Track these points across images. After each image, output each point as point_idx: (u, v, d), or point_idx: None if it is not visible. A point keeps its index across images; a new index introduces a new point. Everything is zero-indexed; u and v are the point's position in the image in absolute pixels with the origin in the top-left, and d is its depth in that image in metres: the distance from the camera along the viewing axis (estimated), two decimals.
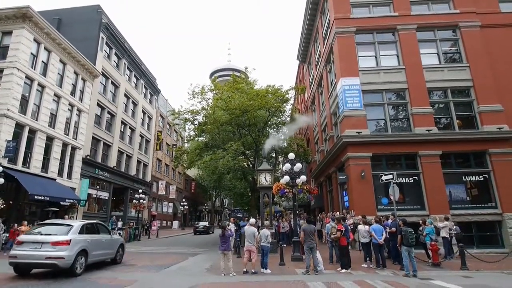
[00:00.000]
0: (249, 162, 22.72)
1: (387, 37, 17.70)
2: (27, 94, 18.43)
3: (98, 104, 26.15)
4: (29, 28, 18.45)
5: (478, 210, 14.80)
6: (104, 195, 27.22)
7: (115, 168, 28.07)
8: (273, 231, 14.52)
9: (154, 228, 29.68)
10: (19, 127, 17.71)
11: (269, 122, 22.76)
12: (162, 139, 39.43)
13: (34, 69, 18.95)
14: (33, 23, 18.61)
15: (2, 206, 16.66)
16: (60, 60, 21.37)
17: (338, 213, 15.96)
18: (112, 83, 28.62)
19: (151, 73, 37.76)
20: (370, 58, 17.43)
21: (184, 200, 44.98)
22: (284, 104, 22.78)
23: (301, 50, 28.49)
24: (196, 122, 23.05)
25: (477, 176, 15.43)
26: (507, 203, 14.44)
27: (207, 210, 60.74)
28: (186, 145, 35.34)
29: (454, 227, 12.85)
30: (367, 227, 10.82)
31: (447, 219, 12.92)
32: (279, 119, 24.16)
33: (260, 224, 15.02)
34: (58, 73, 21.30)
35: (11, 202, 17.59)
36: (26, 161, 18.27)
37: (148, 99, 37.11)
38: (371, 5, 18.17)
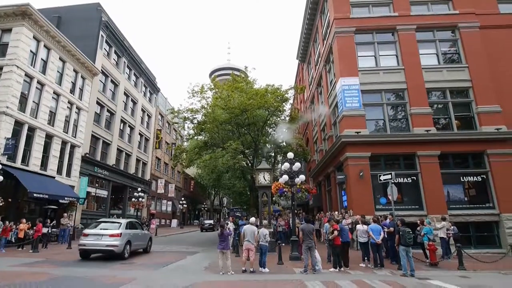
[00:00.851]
0: (248, 161, 22.75)
1: (386, 37, 17.74)
2: (26, 92, 18.41)
3: (97, 102, 26.13)
4: (28, 26, 18.42)
5: (476, 210, 14.87)
6: (103, 193, 27.23)
7: (114, 166, 28.08)
8: (272, 230, 14.56)
9: (153, 227, 29.66)
10: (18, 124, 17.70)
11: (269, 122, 22.78)
12: (162, 138, 39.43)
13: (34, 67, 18.93)
14: (32, 20, 18.57)
15: (1, 204, 16.65)
16: (60, 58, 21.34)
17: (336, 212, 16.02)
18: (112, 81, 28.59)
19: (150, 71, 37.74)
20: (369, 58, 17.47)
21: (183, 198, 44.94)
22: (284, 103, 22.80)
23: (300, 49, 28.52)
24: (195, 121, 23.05)
25: (475, 177, 15.50)
26: (504, 204, 14.52)
27: (206, 209, 60.74)
28: (185, 143, 35.39)
29: (452, 227, 12.93)
30: (365, 226, 10.87)
31: (443, 219, 13.00)
32: (278, 119, 24.19)
33: (258, 223, 15.06)
34: (58, 71, 21.28)
35: (10, 200, 17.57)
36: (25, 159, 18.26)
37: (148, 97, 37.09)
38: (370, 5, 18.20)
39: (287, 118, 24.75)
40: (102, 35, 26.50)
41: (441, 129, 16.18)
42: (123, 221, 12.97)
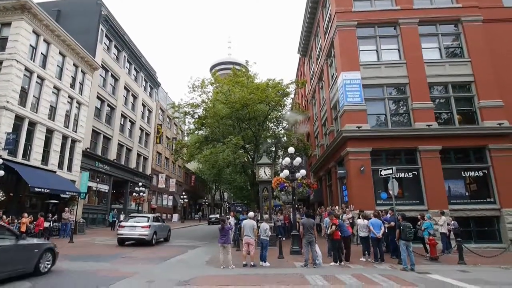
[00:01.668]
0: (249, 156, 22.74)
1: (388, 31, 17.57)
2: (26, 86, 18.37)
3: (98, 97, 26.09)
4: (28, 20, 18.30)
5: (477, 205, 14.86)
6: (104, 188, 27.31)
7: (115, 161, 28.11)
8: (272, 224, 14.59)
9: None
10: (18, 119, 17.69)
11: (269, 116, 22.71)
12: (162, 133, 39.42)
13: (34, 61, 18.85)
14: (32, 14, 18.45)
15: (3, 198, 16.73)
16: (60, 52, 21.25)
17: (337, 207, 16.03)
18: (112, 75, 28.50)
19: (151, 66, 37.59)
20: (371, 52, 17.33)
21: (184, 193, 45.13)
22: (285, 98, 22.71)
23: (302, 43, 28.31)
24: (196, 116, 23.01)
25: (476, 172, 15.46)
26: (505, 199, 14.50)
27: (206, 203, 60.97)
28: (186, 138, 35.36)
29: (452, 222, 12.94)
30: (366, 221, 10.88)
31: (442, 213, 13.00)
32: (279, 113, 24.11)
33: (259, 218, 15.09)
34: (58, 65, 21.21)
35: (11, 194, 17.65)
36: (26, 154, 18.29)
37: (148, 92, 37.00)
38: None
39: (288, 113, 24.70)
40: (102, 29, 26.35)
41: (442, 124, 16.10)
42: (150, 216, 15.87)
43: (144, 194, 27.58)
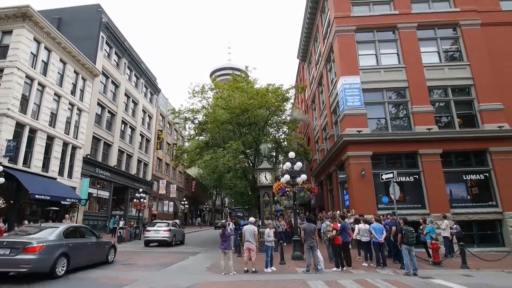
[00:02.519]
0: (249, 161, 22.72)
1: (387, 36, 17.66)
2: (27, 94, 18.44)
3: (98, 103, 26.16)
4: (29, 28, 18.44)
5: (479, 208, 14.79)
6: (105, 194, 27.25)
7: (115, 167, 28.10)
8: (274, 230, 14.49)
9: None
10: (19, 126, 17.73)
11: (270, 121, 22.74)
12: (163, 138, 39.45)
13: (34, 69, 18.95)
14: (33, 22, 18.59)
15: (3, 206, 16.68)
16: (60, 60, 21.36)
17: (338, 212, 15.96)
18: (113, 82, 28.62)
19: (151, 72, 37.76)
20: (370, 57, 17.40)
21: (184, 199, 45.01)
22: (285, 103, 22.76)
23: (301, 48, 28.46)
24: (196, 121, 23.06)
25: (477, 175, 15.42)
26: (507, 202, 14.43)
27: (207, 209, 60.77)
28: (186, 144, 35.41)
29: (455, 226, 12.87)
30: (367, 226, 10.82)
31: (445, 217, 12.93)
32: (279, 118, 24.14)
33: (260, 223, 15.02)
34: (58, 73, 21.31)
35: (11, 201, 17.61)
36: (26, 161, 18.29)
37: (149, 98, 37.11)
38: (371, 4, 18.12)
39: (288, 118, 24.74)
40: (102, 36, 26.53)
41: (443, 128, 16.10)
42: (170, 222, 19.95)
43: (145, 200, 27.47)
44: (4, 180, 14.23)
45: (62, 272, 8.57)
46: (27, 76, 18.33)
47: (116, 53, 29.52)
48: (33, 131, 18.71)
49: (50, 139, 20.17)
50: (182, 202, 43.57)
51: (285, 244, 13.17)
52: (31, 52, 18.81)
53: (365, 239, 10.79)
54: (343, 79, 16.53)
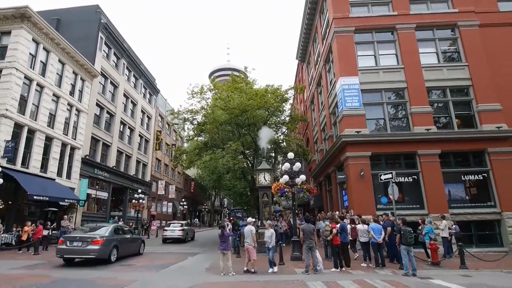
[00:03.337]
0: (248, 162, 22.72)
1: (386, 36, 17.70)
2: (26, 94, 18.40)
3: (97, 104, 26.11)
4: (27, 28, 18.40)
5: (477, 209, 14.82)
6: (104, 195, 27.18)
7: (114, 168, 28.04)
8: (272, 230, 14.49)
9: (153, 228, 29.70)
10: (18, 127, 17.68)
11: (269, 122, 22.75)
12: (162, 139, 39.39)
13: (33, 69, 18.91)
14: (31, 23, 18.56)
15: (1, 207, 16.64)
16: (59, 60, 21.33)
17: (337, 212, 15.97)
18: (111, 83, 28.57)
19: (150, 73, 37.73)
20: (369, 58, 17.43)
21: (183, 199, 44.98)
22: (283, 103, 22.78)
23: (300, 49, 28.49)
24: (195, 122, 23.05)
25: (476, 175, 15.45)
26: (506, 202, 14.47)
27: (206, 210, 60.70)
28: (185, 145, 35.39)
29: (454, 226, 12.89)
30: (365, 226, 10.83)
31: (443, 217, 12.95)
32: (278, 119, 24.15)
33: (259, 224, 15.01)
34: (57, 73, 21.26)
35: (10, 202, 17.56)
36: (25, 161, 18.24)
37: (147, 99, 37.07)
38: (370, 4, 18.17)
39: (287, 118, 24.75)
40: (101, 37, 26.49)
41: (441, 128, 16.14)
42: (183, 222, 24.64)
43: (144, 201, 27.48)
44: (3, 181, 14.19)
45: (114, 259, 11.56)
46: (26, 77, 18.28)
47: (115, 54, 29.48)
48: (31, 132, 18.67)
49: (49, 139, 20.12)
50: (181, 203, 43.52)
51: (283, 244, 13.15)
52: (30, 53, 18.77)
53: (364, 239, 10.80)
54: (342, 80, 16.56)
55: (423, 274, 9.13)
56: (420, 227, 12.06)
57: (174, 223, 23.08)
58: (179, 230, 20.95)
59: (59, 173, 21.09)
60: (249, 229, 9.77)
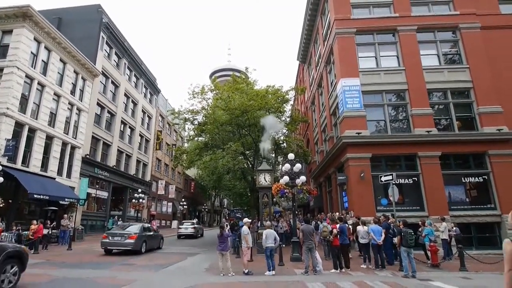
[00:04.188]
0: (248, 162, 22.72)
1: (387, 38, 17.71)
2: (27, 93, 18.41)
3: (98, 104, 26.14)
4: (29, 27, 18.43)
5: (477, 211, 14.80)
6: (104, 194, 27.19)
7: (114, 167, 28.05)
8: (269, 230, 14.48)
9: (153, 228, 29.63)
10: (18, 126, 17.70)
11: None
12: (162, 139, 39.41)
13: (34, 68, 18.94)
14: (33, 22, 18.59)
15: (1, 205, 16.65)
16: (60, 59, 21.35)
17: (337, 213, 15.96)
18: (112, 82, 28.60)
19: (151, 72, 37.75)
20: (370, 59, 17.44)
21: (183, 199, 44.96)
22: (284, 104, 22.78)
23: (301, 50, 28.51)
24: (196, 122, 23.07)
25: (476, 178, 15.44)
26: (506, 205, 14.43)
27: (206, 210, 60.68)
28: (185, 145, 35.36)
29: (454, 228, 12.87)
30: (366, 227, 10.83)
31: (443, 219, 12.94)
32: (279, 120, 24.13)
33: (259, 224, 15.00)
34: (58, 72, 21.29)
35: (10, 201, 17.57)
36: (25, 160, 18.25)
37: (148, 98, 37.10)
38: (371, 6, 18.18)
39: (288, 119, 24.75)
40: (102, 37, 26.53)
41: (442, 130, 16.13)
42: (194, 221, 28.95)
43: (144, 201, 27.48)
44: (3, 179, 14.19)
45: (144, 250, 14.44)
46: (27, 76, 18.31)
47: (116, 54, 29.51)
48: (32, 131, 18.69)
49: (49, 138, 20.14)
50: (181, 203, 43.50)
51: (283, 245, 13.14)
52: (31, 52, 18.80)
53: (364, 241, 10.80)
54: (343, 81, 16.56)
55: (423, 276, 9.12)
56: (420, 229, 12.06)
57: (187, 222, 27.58)
58: (191, 228, 25.39)
59: (60, 172, 21.10)
60: (242, 231, 9.77)
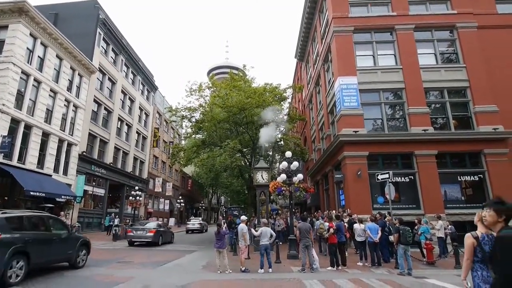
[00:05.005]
0: (246, 160, 22.73)
1: (385, 37, 17.75)
2: (23, 89, 18.27)
3: (94, 100, 25.99)
4: (25, 23, 18.26)
5: (473, 209, 14.85)
6: (100, 191, 27.11)
7: (111, 164, 27.96)
8: (264, 228, 14.53)
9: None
10: (14, 122, 17.56)
11: (267, 120, 22.72)
12: (159, 136, 39.30)
13: (30, 64, 18.78)
14: (29, 17, 18.42)
15: None
16: (57, 56, 21.18)
17: (334, 211, 16.04)
18: (109, 79, 28.44)
19: (148, 69, 37.57)
20: (367, 58, 17.48)
21: (180, 197, 44.93)
22: (282, 102, 22.79)
23: (299, 48, 28.49)
24: (193, 120, 23.02)
25: (472, 176, 15.56)
26: None
27: (203, 207, 60.71)
28: (183, 142, 35.32)
29: (449, 226, 12.99)
30: (362, 225, 10.90)
31: (439, 218, 13.05)
32: (276, 117, 24.15)
33: (256, 222, 15.04)
34: (55, 69, 21.13)
35: (6, 198, 17.47)
36: (21, 157, 18.13)
37: (145, 95, 36.94)
38: (369, 5, 18.19)
39: (285, 117, 24.76)
40: (99, 33, 26.34)
41: (438, 129, 16.23)
42: (200, 218, 36.88)
43: (141, 198, 27.41)
44: None
45: (160, 243, 17.18)
46: (23, 72, 18.15)
47: (113, 50, 29.33)
48: (28, 127, 18.56)
49: (46, 135, 20.02)
50: (178, 200, 43.49)
51: (280, 243, 13.19)
52: (27, 48, 18.63)
53: (360, 239, 10.87)
54: (340, 80, 16.59)
55: (418, 273, 9.21)
56: (416, 227, 12.16)
57: (193, 219, 33.69)
58: (198, 224, 29.99)
59: (56, 169, 21.00)
60: (240, 228, 9.80)
